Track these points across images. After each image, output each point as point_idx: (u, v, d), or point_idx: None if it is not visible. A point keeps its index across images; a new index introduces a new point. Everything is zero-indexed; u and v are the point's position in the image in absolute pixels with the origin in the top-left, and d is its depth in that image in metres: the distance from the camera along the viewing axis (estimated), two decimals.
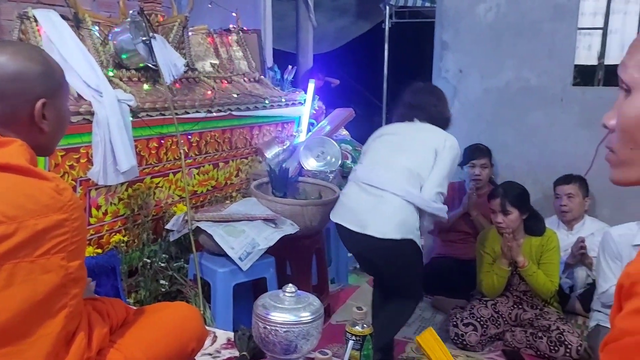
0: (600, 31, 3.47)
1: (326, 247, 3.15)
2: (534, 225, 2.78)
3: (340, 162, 3.24)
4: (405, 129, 2.41)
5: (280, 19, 5.98)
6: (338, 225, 2.34)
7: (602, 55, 3.50)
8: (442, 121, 2.41)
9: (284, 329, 1.33)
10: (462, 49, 3.60)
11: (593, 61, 3.57)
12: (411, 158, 2.28)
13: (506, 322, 2.77)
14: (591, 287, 2.89)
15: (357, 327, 1.40)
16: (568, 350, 2.51)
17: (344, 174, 3.32)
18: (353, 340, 1.39)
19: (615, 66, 3.54)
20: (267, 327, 1.34)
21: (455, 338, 2.69)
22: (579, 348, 2.51)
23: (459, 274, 3.18)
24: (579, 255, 3.02)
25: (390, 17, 6.63)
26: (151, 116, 2.52)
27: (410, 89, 2.52)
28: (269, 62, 4.12)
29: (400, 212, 2.20)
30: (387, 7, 6.51)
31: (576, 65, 3.46)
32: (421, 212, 2.25)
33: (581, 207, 3.20)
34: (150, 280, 2.42)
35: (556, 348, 2.54)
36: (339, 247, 3.49)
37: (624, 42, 3.41)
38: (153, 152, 2.59)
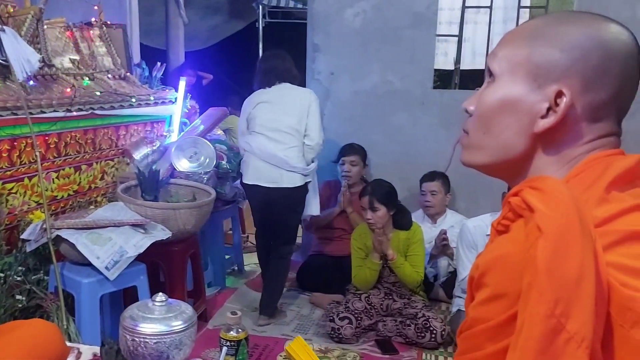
0: (456, 39, 3.75)
1: (202, 250, 3.07)
2: (401, 220, 2.94)
3: (214, 162, 3.17)
4: (277, 95, 2.93)
5: (148, 13, 5.71)
6: (251, 186, 2.93)
7: (457, 61, 3.79)
8: (292, 78, 3.01)
9: (154, 340, 1.27)
10: (333, 51, 3.71)
11: (450, 66, 3.85)
12: (293, 119, 2.89)
13: (378, 313, 2.91)
14: (452, 275, 3.14)
15: (231, 332, 1.37)
16: (433, 335, 2.70)
17: (219, 175, 3.25)
18: (227, 345, 1.36)
19: (468, 71, 3.86)
20: (136, 339, 1.27)
21: (332, 332, 2.77)
22: (443, 333, 2.71)
23: (335, 270, 3.27)
24: (442, 247, 3.26)
25: (264, 16, 6.64)
26: (1, 116, 2.28)
27: (261, 58, 3.21)
28: (136, 58, 3.91)
29: (299, 171, 2.93)
30: (260, 7, 6.50)
31: (435, 70, 3.71)
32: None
33: (443, 202, 3.46)
34: (5, 295, 2.20)
35: (423, 334, 2.71)
36: (215, 249, 3.43)
37: (475, 49, 3.73)
38: (4, 155, 2.35)
